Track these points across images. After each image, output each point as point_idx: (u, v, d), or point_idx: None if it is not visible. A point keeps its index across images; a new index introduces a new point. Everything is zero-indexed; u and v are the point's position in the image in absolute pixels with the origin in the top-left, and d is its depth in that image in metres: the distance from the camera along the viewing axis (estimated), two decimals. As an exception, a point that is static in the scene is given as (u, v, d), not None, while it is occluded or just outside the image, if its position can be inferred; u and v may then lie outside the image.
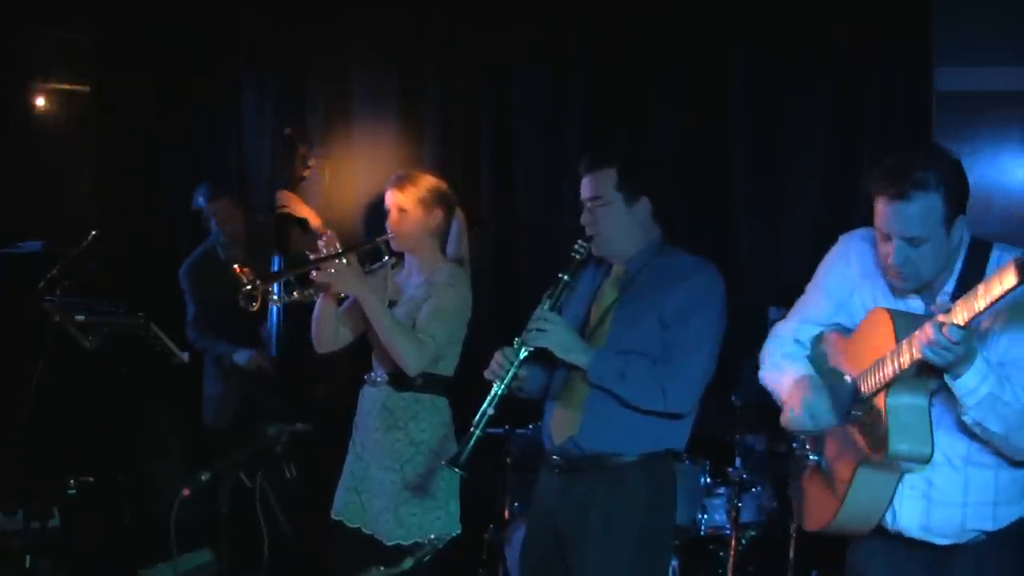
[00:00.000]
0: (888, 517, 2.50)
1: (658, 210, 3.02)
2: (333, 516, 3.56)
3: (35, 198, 5.66)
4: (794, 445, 2.77)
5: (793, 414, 2.57)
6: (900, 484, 2.45)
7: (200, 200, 4.77)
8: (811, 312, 2.74)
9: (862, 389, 2.45)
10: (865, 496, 2.47)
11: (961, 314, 2.18)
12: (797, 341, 2.74)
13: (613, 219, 2.97)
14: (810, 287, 2.77)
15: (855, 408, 2.47)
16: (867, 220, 3.23)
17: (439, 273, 3.50)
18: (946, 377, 2.30)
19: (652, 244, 3.04)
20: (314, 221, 4.71)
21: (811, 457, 2.64)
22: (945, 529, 2.46)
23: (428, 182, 3.53)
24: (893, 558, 2.55)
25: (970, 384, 2.28)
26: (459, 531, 3.50)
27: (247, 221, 4.83)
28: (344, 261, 3.37)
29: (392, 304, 3.54)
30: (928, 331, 2.21)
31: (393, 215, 3.51)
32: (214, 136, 5.62)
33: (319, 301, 3.53)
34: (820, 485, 2.63)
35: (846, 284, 2.65)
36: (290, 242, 4.61)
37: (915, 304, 2.49)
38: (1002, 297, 2.10)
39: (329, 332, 3.55)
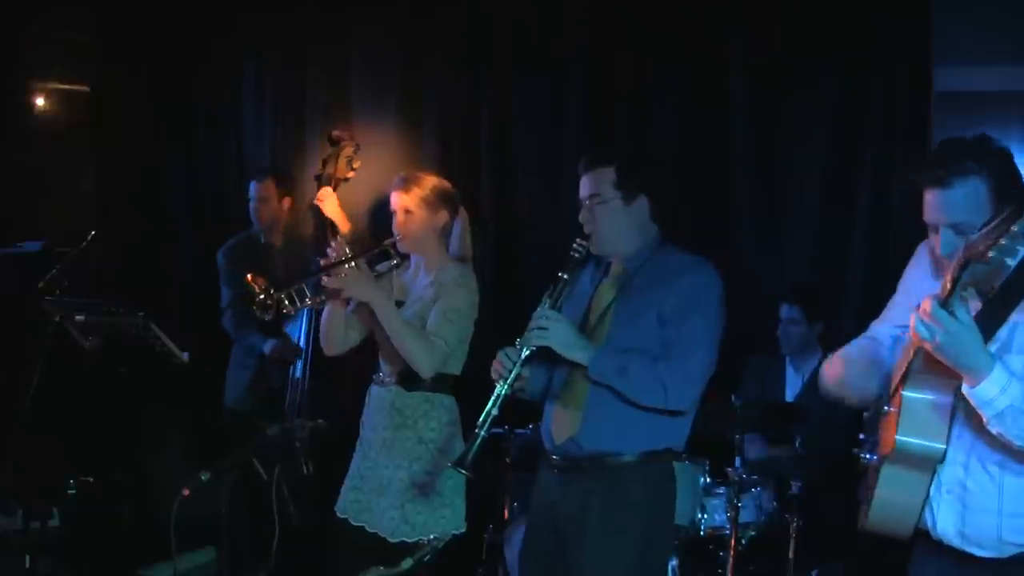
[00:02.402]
0: (928, 522, 2.45)
1: (656, 209, 3.03)
2: (338, 514, 3.57)
3: (35, 198, 5.66)
4: (854, 450, 2.75)
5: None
6: (937, 487, 2.40)
7: (251, 184, 4.79)
8: (891, 313, 2.71)
9: (892, 383, 2.44)
10: (893, 493, 2.41)
11: (941, 290, 2.19)
12: (873, 339, 2.71)
13: (611, 217, 2.98)
14: (898, 287, 2.75)
15: (888, 403, 2.47)
16: (868, 219, 3.26)
17: (447, 273, 3.51)
18: (964, 387, 2.27)
19: (650, 243, 3.05)
20: (343, 227, 4.72)
21: (864, 456, 2.62)
22: (981, 539, 2.39)
23: (432, 183, 3.54)
24: (943, 568, 2.49)
25: (987, 395, 2.23)
26: (464, 529, 3.52)
27: (291, 212, 4.83)
28: (354, 266, 3.38)
29: (399, 304, 3.54)
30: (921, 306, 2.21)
31: (399, 217, 3.52)
32: (214, 136, 5.63)
33: (327, 305, 3.54)
34: (870, 484, 2.61)
35: (921, 286, 2.60)
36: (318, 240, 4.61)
37: (975, 301, 2.37)
38: (960, 273, 2.11)
39: (338, 335, 3.57)
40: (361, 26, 5.26)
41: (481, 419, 2.90)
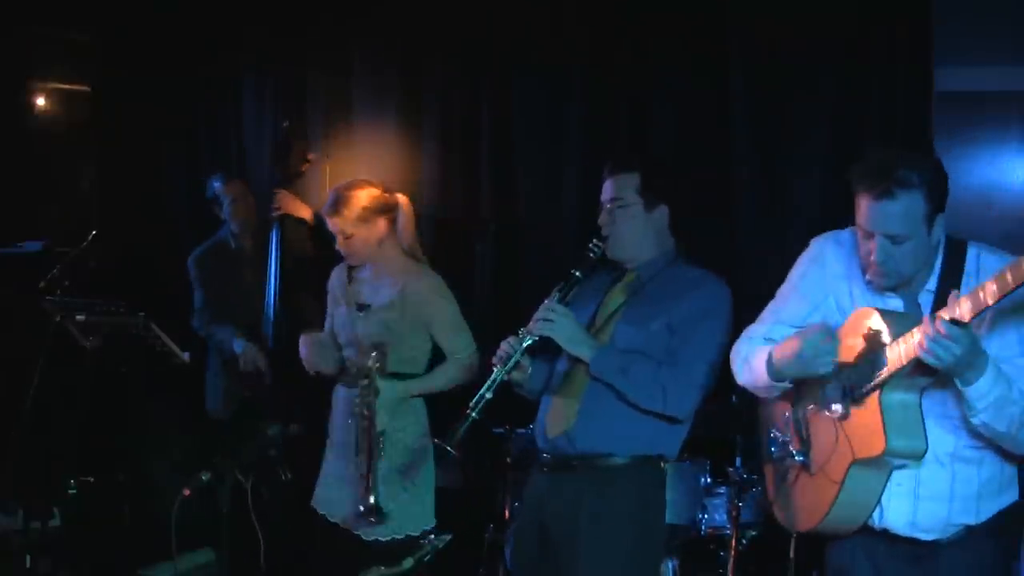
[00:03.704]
0: (875, 515, 2.51)
1: (676, 220, 3.05)
2: (317, 509, 3.63)
3: (35, 198, 5.66)
4: (772, 449, 2.77)
5: (801, 351, 2.51)
6: (888, 482, 2.45)
7: (215, 185, 4.77)
8: (785, 314, 2.75)
9: (853, 388, 2.46)
10: (856, 495, 2.47)
11: (963, 310, 2.20)
12: (769, 339, 2.74)
13: (630, 222, 3.02)
14: (783, 290, 2.79)
15: (845, 406, 2.48)
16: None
17: (414, 286, 3.56)
18: (958, 383, 2.31)
19: (666, 254, 3.07)
20: (306, 215, 4.71)
21: (797, 457, 2.64)
22: (931, 524, 2.48)
23: (360, 199, 3.57)
24: (875, 553, 2.57)
25: (983, 389, 2.29)
26: (435, 523, 3.55)
27: (256, 214, 4.83)
28: (368, 392, 3.43)
29: (365, 308, 3.58)
30: (928, 328, 2.22)
31: (340, 241, 3.59)
32: (214, 135, 5.63)
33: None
34: (808, 486, 2.63)
35: (821, 286, 2.67)
36: (291, 243, 4.60)
37: (894, 303, 2.51)
38: (1008, 294, 2.12)
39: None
40: (361, 26, 5.25)
41: (474, 401, 2.92)
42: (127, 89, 5.64)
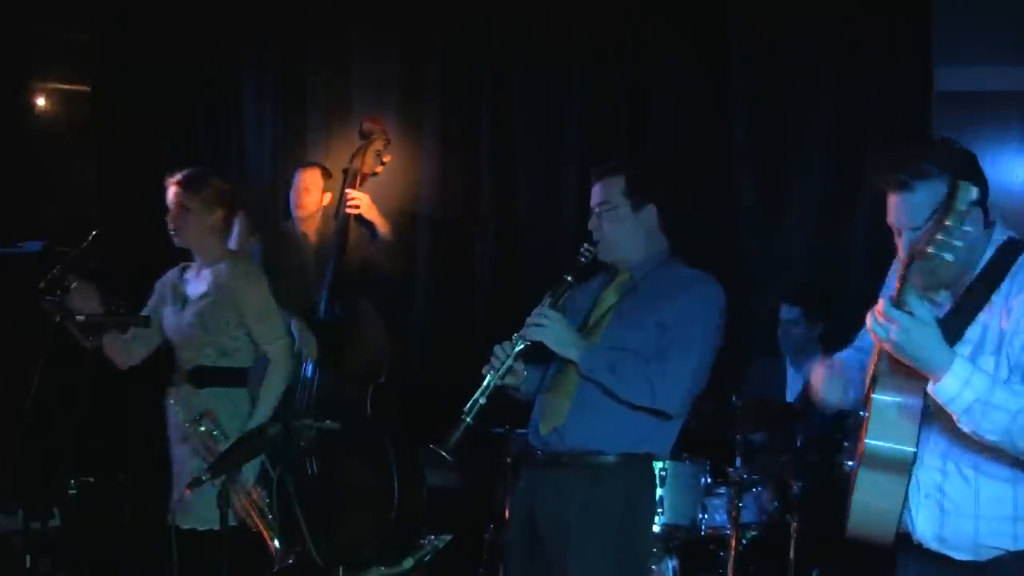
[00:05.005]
0: (909, 526, 2.44)
1: (665, 220, 3.06)
2: (181, 525, 3.62)
3: (35, 198, 5.66)
4: (838, 458, 2.76)
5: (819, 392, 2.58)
6: (916, 492, 2.39)
7: (298, 171, 4.81)
8: None
9: (866, 387, 2.45)
10: (870, 497, 2.39)
11: (894, 290, 2.19)
12: (860, 349, 2.71)
13: (619, 224, 3.03)
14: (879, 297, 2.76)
15: (863, 408, 2.46)
16: (868, 219, 3.29)
17: (223, 273, 3.67)
18: (928, 386, 2.25)
19: (658, 254, 3.08)
20: (383, 228, 4.71)
21: (848, 463, 2.62)
22: (958, 542, 2.39)
23: (212, 183, 3.71)
24: (923, 569, 2.50)
25: (950, 390, 2.20)
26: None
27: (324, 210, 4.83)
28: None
29: (185, 303, 3.72)
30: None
31: (174, 211, 3.68)
32: (214, 135, 5.63)
33: (108, 339, 3.80)
34: (851, 487, 2.61)
35: (893, 286, 2.63)
36: (347, 243, 4.58)
37: (947, 304, 2.41)
38: (905, 271, 2.12)
39: (122, 357, 3.86)
40: (361, 25, 5.26)
41: (468, 406, 2.93)
42: (127, 89, 5.64)
